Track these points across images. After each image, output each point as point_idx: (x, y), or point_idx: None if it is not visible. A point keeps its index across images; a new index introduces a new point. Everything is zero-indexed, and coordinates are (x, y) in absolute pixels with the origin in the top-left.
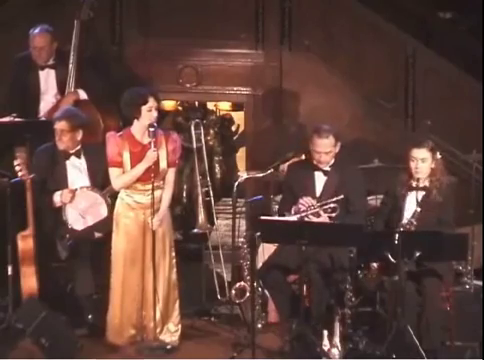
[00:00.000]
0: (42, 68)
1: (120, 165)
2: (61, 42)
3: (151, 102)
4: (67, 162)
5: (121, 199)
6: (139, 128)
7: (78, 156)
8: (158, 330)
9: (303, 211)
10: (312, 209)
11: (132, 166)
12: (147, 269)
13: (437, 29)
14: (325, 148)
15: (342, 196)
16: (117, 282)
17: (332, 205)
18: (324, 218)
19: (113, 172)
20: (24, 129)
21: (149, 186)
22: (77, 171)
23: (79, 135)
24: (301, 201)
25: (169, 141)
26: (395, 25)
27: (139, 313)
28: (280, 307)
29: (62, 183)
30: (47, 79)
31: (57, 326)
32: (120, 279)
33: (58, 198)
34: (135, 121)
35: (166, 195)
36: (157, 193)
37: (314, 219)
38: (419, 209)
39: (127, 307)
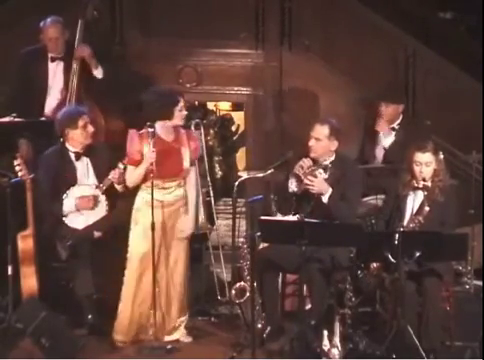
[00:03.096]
0: (52, 60)
1: (136, 163)
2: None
3: (181, 102)
4: (77, 163)
5: (142, 197)
6: (164, 127)
7: (87, 155)
8: (172, 327)
9: (302, 173)
10: (310, 170)
11: (159, 164)
12: (163, 268)
13: (437, 29)
14: (317, 134)
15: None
16: (131, 280)
17: (325, 163)
18: (321, 179)
19: (129, 170)
20: (24, 129)
21: (172, 184)
22: (84, 171)
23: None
24: (300, 163)
25: (191, 139)
26: (395, 25)
27: (149, 312)
28: (267, 306)
29: (72, 185)
30: (55, 72)
31: (57, 326)
32: (135, 277)
33: (73, 206)
34: (162, 121)
35: (192, 195)
36: (179, 192)
37: (314, 180)
38: (428, 208)
39: (139, 306)
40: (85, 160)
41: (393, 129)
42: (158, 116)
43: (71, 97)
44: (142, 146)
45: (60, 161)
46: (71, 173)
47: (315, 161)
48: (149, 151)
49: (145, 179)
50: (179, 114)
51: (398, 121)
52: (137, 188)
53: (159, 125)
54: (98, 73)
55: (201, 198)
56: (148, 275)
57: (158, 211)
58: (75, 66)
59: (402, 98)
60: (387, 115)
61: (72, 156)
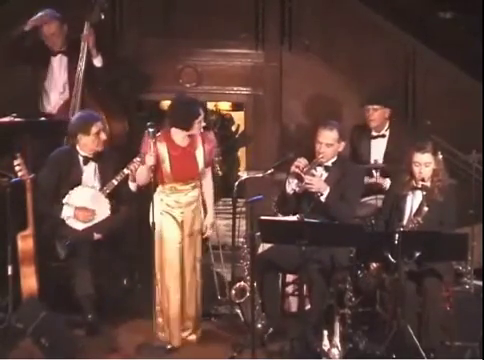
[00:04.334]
0: (55, 54)
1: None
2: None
3: (202, 114)
4: (84, 167)
5: (161, 200)
6: (180, 133)
7: (96, 160)
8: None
9: (299, 172)
10: (306, 169)
11: (173, 167)
12: (186, 267)
13: (437, 29)
14: (326, 139)
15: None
16: (164, 280)
17: (321, 161)
18: (319, 178)
19: (139, 168)
20: (24, 129)
21: (188, 186)
22: (90, 175)
23: None
24: (296, 163)
25: (206, 141)
26: (395, 25)
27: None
28: (267, 306)
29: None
30: (59, 66)
31: (57, 326)
32: (163, 278)
33: (71, 214)
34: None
35: (209, 198)
36: (195, 192)
37: (312, 179)
38: (427, 208)
39: (169, 306)
40: (93, 165)
41: (383, 136)
42: (177, 125)
43: (77, 92)
44: (156, 147)
45: (68, 163)
46: (77, 176)
47: (310, 161)
48: (149, 155)
49: (161, 181)
50: (198, 126)
51: (386, 127)
52: (148, 192)
53: (175, 131)
54: (97, 62)
55: (201, 198)
56: (174, 275)
57: (178, 211)
58: (81, 63)
59: (389, 102)
60: (374, 120)
61: (81, 160)
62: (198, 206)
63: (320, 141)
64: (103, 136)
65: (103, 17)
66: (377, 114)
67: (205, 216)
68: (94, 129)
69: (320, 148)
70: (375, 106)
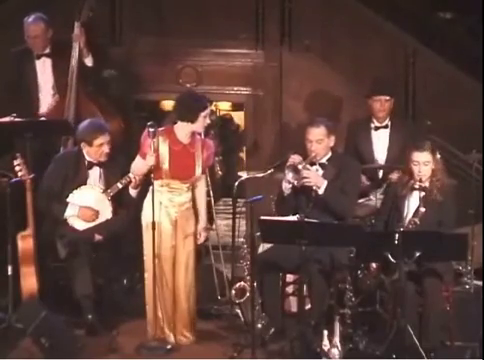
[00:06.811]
0: (38, 57)
1: (145, 157)
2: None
3: (208, 108)
4: (89, 171)
5: (155, 198)
6: (183, 129)
7: (100, 165)
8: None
9: (295, 164)
10: (302, 164)
11: (171, 163)
12: (178, 266)
13: (437, 29)
14: (315, 136)
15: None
16: (149, 280)
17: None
18: (315, 172)
19: (136, 160)
20: (24, 129)
21: (184, 185)
22: (95, 179)
23: None
24: (291, 159)
25: (205, 147)
26: (395, 25)
27: (170, 310)
28: (268, 306)
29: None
30: (44, 69)
31: (57, 326)
32: (151, 278)
33: (75, 213)
34: (183, 122)
35: (202, 204)
36: (188, 194)
37: (309, 173)
38: (423, 209)
39: (159, 304)
40: (97, 169)
41: (386, 127)
42: (182, 117)
43: (71, 92)
44: (157, 146)
45: (74, 165)
46: (82, 179)
47: (305, 158)
48: (149, 155)
49: (158, 177)
50: (202, 120)
51: (388, 119)
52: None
53: (179, 126)
54: (88, 61)
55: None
56: (165, 274)
57: (172, 211)
58: (73, 63)
59: (391, 91)
60: (384, 110)
61: (86, 163)
62: (191, 208)
63: (310, 139)
64: (106, 149)
65: (91, 15)
66: (387, 105)
67: (197, 222)
68: (97, 141)
69: (311, 146)
70: (386, 97)
